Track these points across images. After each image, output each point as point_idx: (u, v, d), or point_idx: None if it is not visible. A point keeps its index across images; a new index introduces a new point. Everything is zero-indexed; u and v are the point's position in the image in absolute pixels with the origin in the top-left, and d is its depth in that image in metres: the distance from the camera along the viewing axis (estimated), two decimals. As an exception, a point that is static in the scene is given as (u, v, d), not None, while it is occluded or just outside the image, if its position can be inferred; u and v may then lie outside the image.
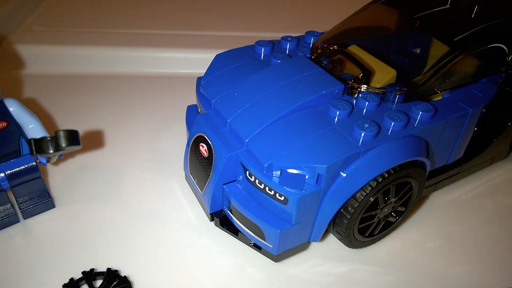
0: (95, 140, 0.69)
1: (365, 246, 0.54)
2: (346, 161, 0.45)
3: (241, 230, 0.51)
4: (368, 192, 0.46)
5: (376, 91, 0.51)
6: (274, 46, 0.62)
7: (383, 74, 0.54)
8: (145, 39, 0.94)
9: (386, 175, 0.46)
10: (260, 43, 0.61)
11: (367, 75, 0.53)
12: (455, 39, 0.53)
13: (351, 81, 0.52)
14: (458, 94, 0.55)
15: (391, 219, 0.54)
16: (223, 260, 0.52)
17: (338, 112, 0.48)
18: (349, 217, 0.47)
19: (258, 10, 1.14)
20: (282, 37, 0.63)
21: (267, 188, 0.46)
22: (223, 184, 0.51)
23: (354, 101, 0.51)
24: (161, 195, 0.60)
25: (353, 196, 0.46)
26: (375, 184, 0.46)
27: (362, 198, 0.46)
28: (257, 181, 0.47)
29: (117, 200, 0.59)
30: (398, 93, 0.51)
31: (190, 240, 0.54)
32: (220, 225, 0.54)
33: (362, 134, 0.45)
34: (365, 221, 0.51)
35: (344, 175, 0.45)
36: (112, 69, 0.88)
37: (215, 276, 0.50)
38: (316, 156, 0.44)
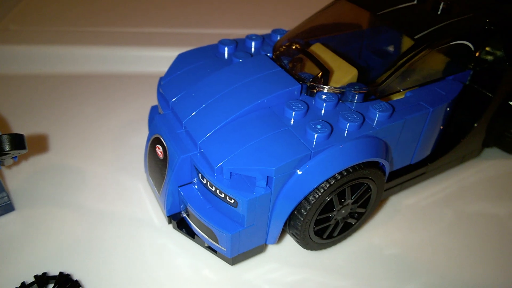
0: (57, 141, 0.69)
1: (324, 248, 0.53)
2: (297, 163, 0.44)
3: (197, 233, 0.51)
4: (320, 194, 0.45)
5: (334, 91, 0.50)
6: (237, 44, 0.61)
7: (344, 73, 0.53)
8: (113, 37, 0.93)
9: (339, 177, 0.45)
10: (223, 42, 0.60)
11: (326, 75, 0.52)
12: (415, 37, 0.52)
13: (309, 81, 0.51)
14: (420, 93, 0.54)
15: (352, 221, 0.53)
16: (180, 262, 0.51)
17: (293, 113, 0.47)
18: (302, 219, 0.46)
19: (229, 6, 1.12)
20: (247, 36, 0.62)
21: (218, 191, 0.45)
22: (179, 187, 0.50)
23: (313, 101, 0.50)
24: (124, 196, 0.60)
25: (306, 198, 0.46)
26: (327, 186, 0.45)
27: (315, 200, 0.45)
28: (208, 183, 0.46)
29: (78, 201, 0.58)
30: (356, 92, 0.50)
31: (150, 241, 0.54)
32: (178, 227, 0.53)
33: (315, 136, 0.45)
34: (322, 223, 0.50)
35: (296, 176, 0.44)
36: (76, 69, 0.87)
37: (169, 277, 0.50)
38: (265, 158, 0.43)
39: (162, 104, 0.55)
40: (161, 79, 0.59)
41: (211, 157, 0.45)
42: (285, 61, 0.55)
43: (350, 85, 0.51)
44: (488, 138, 0.66)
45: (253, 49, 0.62)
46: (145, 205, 0.58)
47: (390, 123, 0.48)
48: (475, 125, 0.61)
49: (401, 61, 0.51)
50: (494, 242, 0.56)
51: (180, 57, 0.60)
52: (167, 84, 0.56)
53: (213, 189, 0.46)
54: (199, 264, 0.51)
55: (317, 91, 0.51)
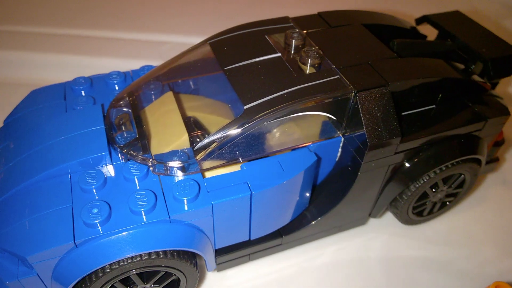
0: None
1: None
2: (60, 251, 0.40)
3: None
4: (89, 285, 0.42)
5: (143, 161, 0.45)
6: (92, 83, 0.56)
7: (173, 137, 0.48)
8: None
9: (109, 270, 0.41)
10: (76, 81, 0.56)
11: (141, 139, 0.47)
12: (245, 106, 0.45)
13: (123, 146, 0.46)
14: (255, 167, 0.47)
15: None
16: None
17: (88, 187, 0.43)
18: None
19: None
20: (109, 73, 0.57)
21: (-6, 264, 0.44)
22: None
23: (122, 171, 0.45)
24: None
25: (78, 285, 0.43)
26: (97, 276, 0.41)
27: (86, 289, 0.42)
28: (-10, 253, 0.44)
29: None
30: (171, 165, 0.45)
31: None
32: None
33: (88, 221, 0.41)
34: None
35: (61, 265, 0.41)
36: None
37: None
38: (25, 243, 0.40)
39: (-5, 149, 0.53)
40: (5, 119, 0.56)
41: (-10, 228, 0.43)
42: (118, 115, 0.51)
43: (168, 154, 0.46)
44: (379, 205, 0.58)
45: (117, 87, 0.57)
46: None
47: (192, 209, 0.43)
48: (345, 197, 0.53)
49: (224, 133, 0.44)
50: None
51: (32, 94, 0.57)
52: (6, 126, 0.54)
53: (-7, 260, 0.44)
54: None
55: (129, 158, 0.46)
